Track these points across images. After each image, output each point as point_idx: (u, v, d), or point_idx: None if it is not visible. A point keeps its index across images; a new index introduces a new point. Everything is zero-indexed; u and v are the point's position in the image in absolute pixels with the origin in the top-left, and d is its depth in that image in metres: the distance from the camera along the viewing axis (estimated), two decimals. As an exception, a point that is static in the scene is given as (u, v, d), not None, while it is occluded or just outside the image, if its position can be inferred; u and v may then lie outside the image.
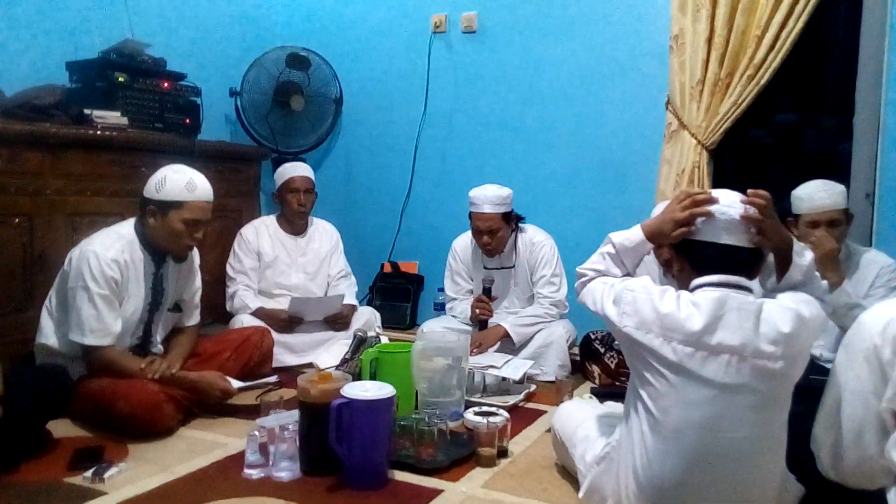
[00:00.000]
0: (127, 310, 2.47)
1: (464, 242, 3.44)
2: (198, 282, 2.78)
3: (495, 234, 3.18)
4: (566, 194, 3.85)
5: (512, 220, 3.26)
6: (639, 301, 1.63)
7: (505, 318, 3.24)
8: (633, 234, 1.80)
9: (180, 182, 2.44)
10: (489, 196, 3.15)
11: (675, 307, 1.59)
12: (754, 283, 1.68)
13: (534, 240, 3.33)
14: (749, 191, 1.65)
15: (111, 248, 2.41)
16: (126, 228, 2.51)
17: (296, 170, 3.50)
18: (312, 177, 3.54)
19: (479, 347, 3.05)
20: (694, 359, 1.56)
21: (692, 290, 1.64)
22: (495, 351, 3.10)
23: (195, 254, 2.73)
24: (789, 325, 1.55)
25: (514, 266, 3.35)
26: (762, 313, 1.57)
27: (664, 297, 1.61)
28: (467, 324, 3.30)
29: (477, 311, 3.21)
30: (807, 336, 1.59)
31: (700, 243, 1.65)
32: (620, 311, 1.65)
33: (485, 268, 3.36)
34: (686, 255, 1.70)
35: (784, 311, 1.57)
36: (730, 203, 1.63)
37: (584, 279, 1.83)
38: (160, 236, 2.48)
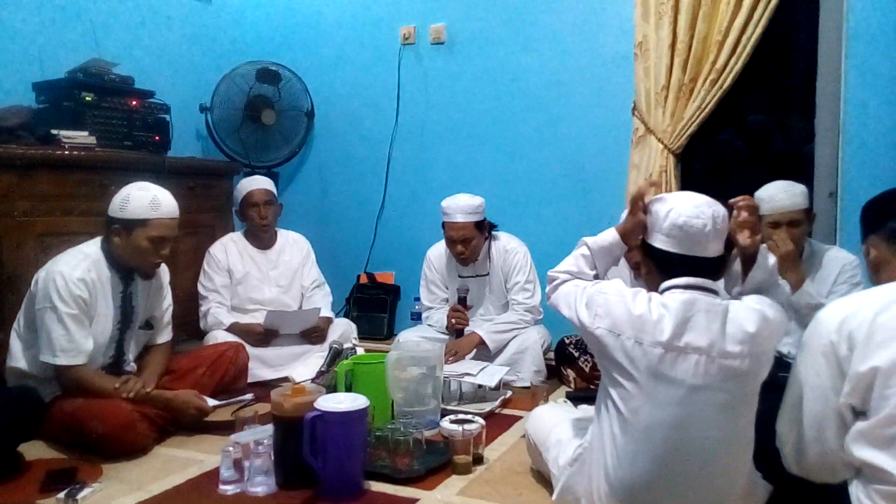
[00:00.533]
0: (97, 329, 2.46)
1: (438, 252, 3.46)
2: (168, 298, 2.77)
3: (469, 243, 3.21)
4: (537, 201, 3.89)
5: (485, 229, 3.28)
6: (611, 303, 1.67)
7: (480, 325, 3.27)
8: (608, 235, 1.85)
9: (144, 200, 2.44)
10: (461, 205, 3.18)
11: (647, 309, 1.63)
12: (719, 284, 1.72)
13: (507, 247, 3.36)
14: (738, 199, 1.72)
15: (77, 268, 2.40)
16: (92, 248, 2.50)
17: (252, 183, 3.48)
18: (272, 188, 3.52)
19: (455, 355, 3.06)
20: (664, 360, 1.59)
21: (661, 292, 1.68)
22: (471, 358, 3.11)
23: (165, 270, 2.72)
24: (754, 326, 1.60)
25: (488, 273, 3.38)
26: (728, 314, 1.61)
27: (636, 299, 1.65)
28: (444, 333, 3.32)
29: (453, 320, 3.23)
30: (770, 335, 1.64)
31: (667, 254, 1.69)
32: (593, 314, 1.69)
33: (459, 276, 3.39)
34: (654, 260, 1.74)
35: (749, 312, 1.62)
36: (696, 214, 1.66)
37: (555, 282, 1.86)
38: (126, 255, 2.48)
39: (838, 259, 2.64)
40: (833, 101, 3.28)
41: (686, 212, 1.67)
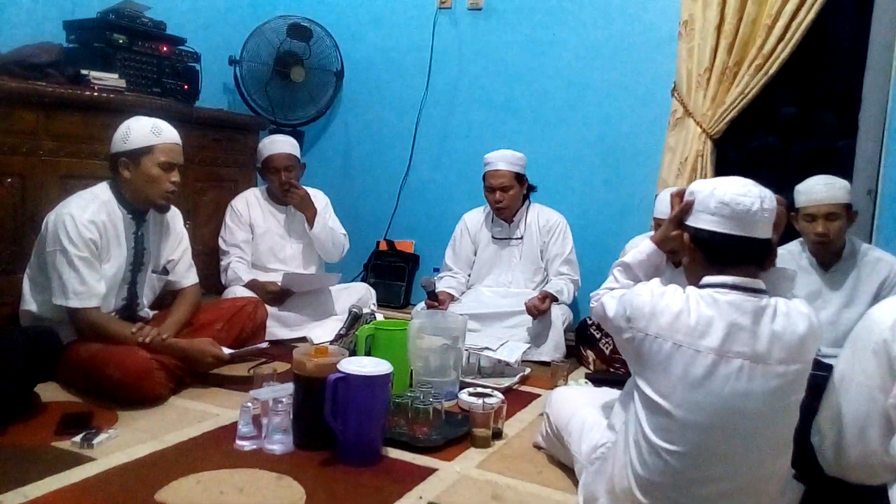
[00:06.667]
0: (109, 270, 2.43)
1: (475, 215, 3.51)
2: (185, 242, 2.74)
3: (507, 192, 3.26)
4: (567, 178, 3.80)
5: (524, 185, 3.33)
6: (646, 304, 1.56)
7: (505, 294, 3.32)
8: (645, 246, 1.80)
9: (145, 128, 2.42)
10: (504, 155, 3.28)
11: (685, 308, 1.51)
12: (759, 282, 1.57)
13: (548, 216, 3.41)
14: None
15: (87, 210, 2.37)
16: (101, 189, 2.47)
17: (274, 146, 3.39)
18: (295, 151, 3.43)
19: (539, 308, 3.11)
20: (704, 364, 1.47)
21: (701, 287, 1.56)
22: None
23: (178, 215, 2.71)
24: (803, 330, 1.48)
25: (521, 238, 3.38)
26: (777, 316, 1.49)
27: (674, 297, 1.53)
28: None
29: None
30: (815, 341, 1.52)
31: (715, 234, 1.56)
32: (626, 317, 1.59)
33: (493, 238, 3.42)
34: (699, 244, 1.61)
35: (799, 316, 1.50)
36: (744, 192, 1.54)
37: (597, 298, 1.78)
38: (138, 187, 2.44)
39: (884, 262, 2.57)
40: (880, 96, 3.19)
41: (733, 189, 1.55)
